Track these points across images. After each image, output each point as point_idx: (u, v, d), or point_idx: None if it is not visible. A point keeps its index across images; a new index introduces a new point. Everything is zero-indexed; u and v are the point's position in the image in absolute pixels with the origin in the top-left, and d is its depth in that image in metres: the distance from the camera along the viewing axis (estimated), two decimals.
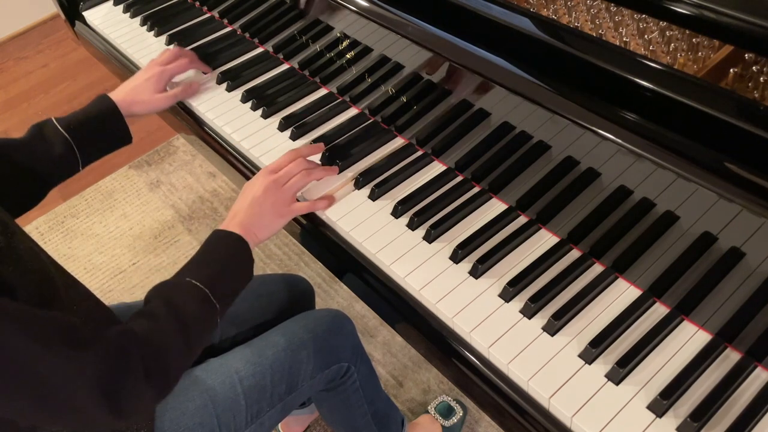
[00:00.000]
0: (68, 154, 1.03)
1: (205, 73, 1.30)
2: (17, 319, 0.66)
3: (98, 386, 0.68)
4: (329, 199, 1.03)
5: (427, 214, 0.97)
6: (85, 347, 0.69)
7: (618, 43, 0.92)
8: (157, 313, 0.78)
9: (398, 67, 1.06)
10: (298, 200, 1.02)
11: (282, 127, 1.16)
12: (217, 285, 0.85)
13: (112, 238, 2.07)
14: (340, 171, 1.06)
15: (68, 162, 1.03)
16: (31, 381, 0.66)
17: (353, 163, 1.07)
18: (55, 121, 1.03)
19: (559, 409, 0.76)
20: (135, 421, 0.85)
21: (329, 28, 1.16)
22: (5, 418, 0.75)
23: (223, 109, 1.22)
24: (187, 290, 0.82)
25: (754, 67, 0.82)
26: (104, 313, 0.90)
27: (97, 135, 1.07)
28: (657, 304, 0.83)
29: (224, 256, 0.90)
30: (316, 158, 1.09)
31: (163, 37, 1.41)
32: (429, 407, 1.54)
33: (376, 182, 1.03)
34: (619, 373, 0.77)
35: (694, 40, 0.87)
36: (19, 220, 0.85)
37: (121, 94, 1.13)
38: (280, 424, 1.51)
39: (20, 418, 0.76)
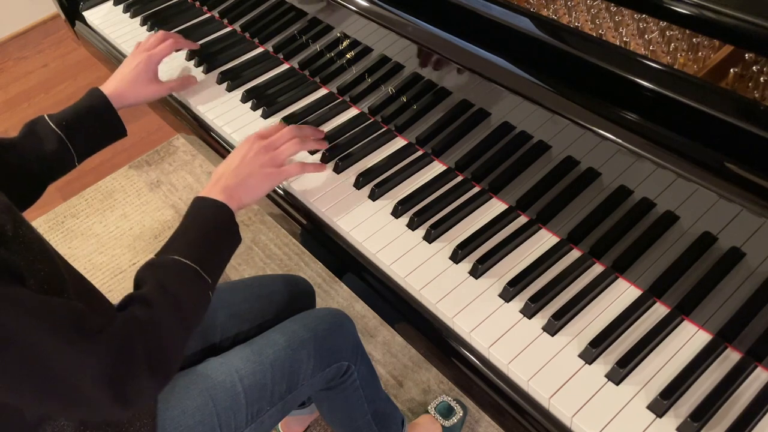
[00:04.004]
0: (62, 151, 1.03)
1: (193, 51, 1.30)
2: (28, 307, 0.66)
3: (105, 375, 0.68)
4: (320, 166, 1.04)
5: (427, 214, 0.97)
6: (93, 335, 0.69)
7: (618, 43, 0.92)
8: (153, 299, 0.78)
9: (398, 67, 1.06)
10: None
11: None
12: (206, 259, 0.85)
13: (112, 238, 2.07)
14: (340, 171, 1.06)
15: (63, 159, 1.04)
16: (39, 370, 0.66)
17: (353, 163, 1.07)
18: (47, 119, 1.03)
19: (559, 409, 0.76)
20: (137, 410, 0.83)
21: (329, 28, 1.16)
22: (14, 407, 0.75)
23: (223, 109, 1.22)
24: (179, 270, 0.82)
25: (754, 67, 0.82)
26: (107, 306, 0.89)
27: (90, 130, 1.07)
28: (657, 304, 0.83)
29: (208, 226, 0.89)
30: (316, 158, 1.09)
31: None
32: (429, 407, 1.54)
33: (376, 182, 1.03)
34: (619, 373, 0.77)
35: (694, 40, 0.87)
36: None
37: (111, 86, 1.13)
38: (280, 424, 1.51)
39: (28, 408, 0.76)
